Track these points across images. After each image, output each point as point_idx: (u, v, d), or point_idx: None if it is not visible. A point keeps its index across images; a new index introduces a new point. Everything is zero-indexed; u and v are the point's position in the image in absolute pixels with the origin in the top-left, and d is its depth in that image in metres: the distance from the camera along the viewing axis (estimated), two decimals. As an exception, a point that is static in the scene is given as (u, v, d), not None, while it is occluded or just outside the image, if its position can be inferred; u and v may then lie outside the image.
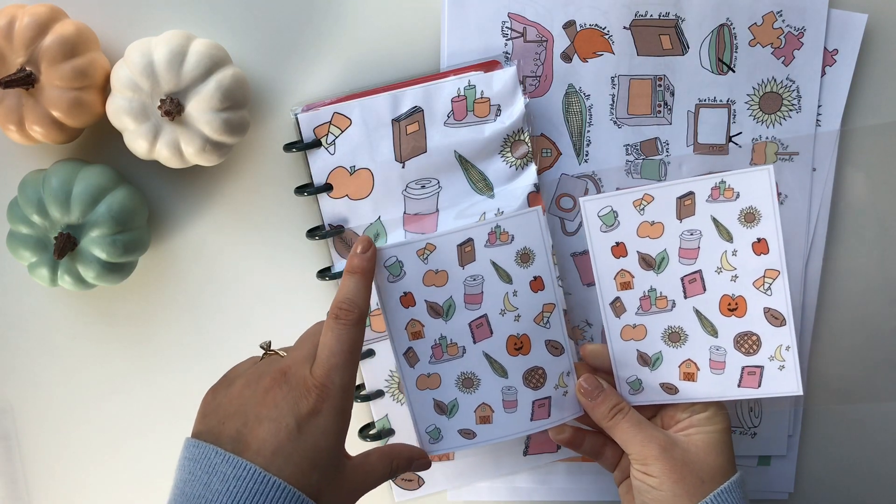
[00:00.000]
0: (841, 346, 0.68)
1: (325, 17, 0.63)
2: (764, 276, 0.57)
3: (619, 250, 0.57)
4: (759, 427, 0.68)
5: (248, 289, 0.66)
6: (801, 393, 0.57)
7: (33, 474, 0.68)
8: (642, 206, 0.56)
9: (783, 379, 0.58)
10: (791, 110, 0.64)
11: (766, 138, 0.64)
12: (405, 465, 0.54)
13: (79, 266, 0.59)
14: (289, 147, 0.63)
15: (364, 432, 0.67)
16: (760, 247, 0.56)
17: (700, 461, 0.55)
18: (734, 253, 0.57)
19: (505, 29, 0.63)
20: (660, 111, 0.64)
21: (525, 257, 0.58)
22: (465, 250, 0.57)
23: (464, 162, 0.62)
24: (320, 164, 0.62)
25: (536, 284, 0.58)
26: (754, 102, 0.64)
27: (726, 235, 0.56)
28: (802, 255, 0.66)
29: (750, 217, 0.56)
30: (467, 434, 0.59)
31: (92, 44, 0.58)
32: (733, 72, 0.63)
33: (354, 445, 0.67)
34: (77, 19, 0.58)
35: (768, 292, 0.57)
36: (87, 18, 0.60)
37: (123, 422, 0.67)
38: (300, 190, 0.63)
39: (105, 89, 0.59)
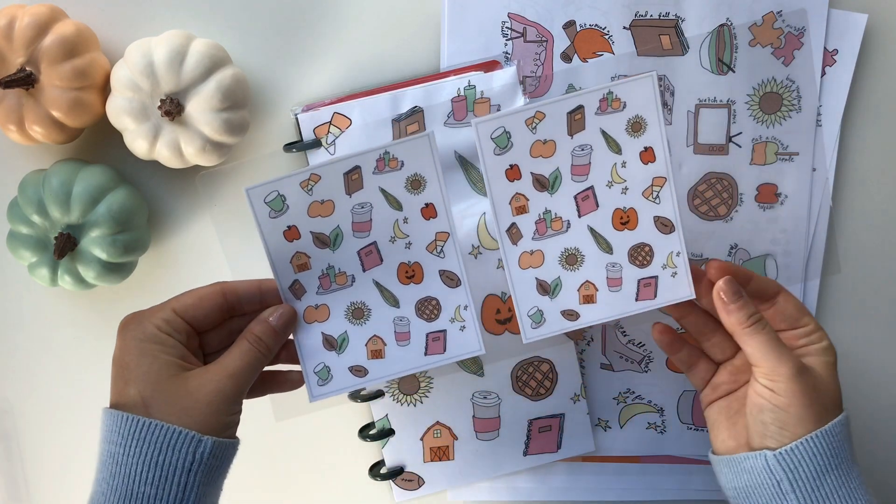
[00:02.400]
0: (842, 346, 0.68)
1: (325, 17, 0.63)
2: (652, 185, 0.56)
3: (512, 173, 0.56)
4: (759, 427, 0.68)
5: (248, 289, 0.66)
6: (693, 296, 0.57)
7: (33, 474, 0.68)
8: (534, 125, 0.55)
9: (676, 285, 0.57)
10: (791, 110, 0.64)
11: (766, 138, 0.64)
12: (267, 328, 0.54)
13: (79, 266, 0.59)
14: (289, 147, 0.63)
15: (364, 432, 0.67)
16: (647, 155, 0.56)
17: (826, 389, 0.54)
18: (623, 164, 0.56)
19: (505, 29, 0.63)
20: (660, 111, 0.64)
21: (416, 183, 0.55)
22: (353, 178, 0.54)
23: (464, 162, 0.62)
24: (320, 164, 0.62)
25: (428, 212, 0.56)
26: (754, 102, 0.64)
27: (615, 147, 0.56)
28: (803, 255, 0.66)
29: (637, 126, 0.56)
30: (358, 371, 0.57)
31: (92, 44, 0.58)
32: (733, 72, 0.63)
33: (354, 445, 0.67)
34: (77, 19, 0.59)
35: (657, 200, 0.57)
36: (87, 18, 0.60)
37: (123, 422, 0.67)
38: (300, 190, 0.63)
39: (105, 89, 0.59)
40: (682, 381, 0.68)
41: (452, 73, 0.62)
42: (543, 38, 0.63)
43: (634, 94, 0.55)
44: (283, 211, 0.54)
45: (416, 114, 0.62)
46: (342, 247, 0.56)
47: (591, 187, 0.57)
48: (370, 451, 0.68)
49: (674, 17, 0.63)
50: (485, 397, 0.66)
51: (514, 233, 0.57)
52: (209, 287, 0.54)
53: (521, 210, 0.56)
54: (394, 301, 0.57)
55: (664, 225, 0.57)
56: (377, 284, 0.57)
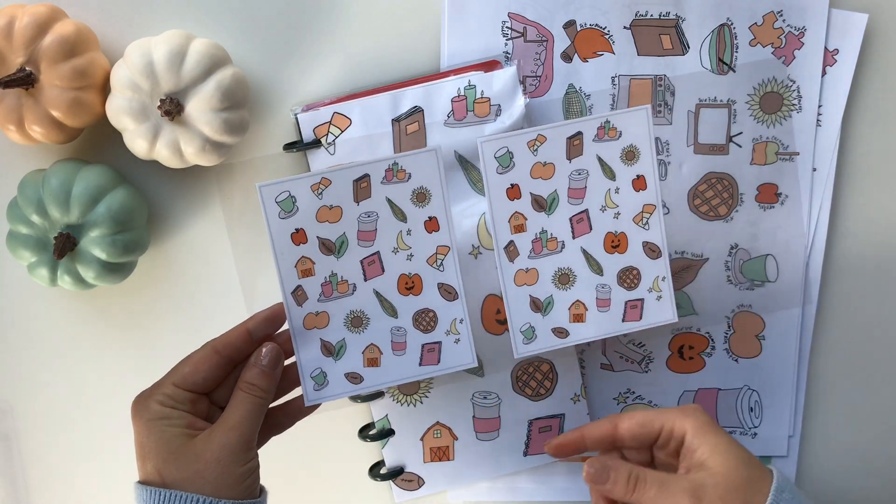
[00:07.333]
0: (842, 345, 0.68)
1: (325, 17, 0.63)
2: (642, 212, 0.59)
3: (513, 192, 0.58)
4: (759, 427, 0.68)
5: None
6: (675, 320, 0.60)
7: (33, 474, 0.68)
8: (536, 147, 0.58)
9: (660, 308, 0.60)
10: (791, 110, 0.64)
11: (767, 138, 0.64)
12: (261, 366, 0.55)
13: (79, 266, 0.59)
14: (289, 147, 0.63)
15: (364, 432, 0.67)
16: (639, 183, 0.59)
17: (733, 485, 0.51)
18: (616, 190, 0.59)
19: (505, 29, 0.63)
20: (660, 111, 0.64)
21: (421, 196, 0.57)
22: (361, 186, 0.56)
23: (464, 162, 0.62)
24: (320, 164, 0.62)
25: (431, 225, 0.57)
26: (755, 102, 0.64)
27: (609, 174, 0.59)
28: (803, 255, 0.66)
29: (630, 155, 0.59)
30: (354, 378, 0.58)
31: (92, 44, 0.58)
32: (734, 72, 0.63)
33: (354, 445, 0.67)
34: (77, 19, 0.58)
35: (646, 227, 0.60)
36: (87, 18, 0.60)
37: (123, 422, 0.67)
38: (300, 190, 0.63)
39: (105, 89, 0.59)
40: (682, 381, 0.68)
41: (452, 73, 0.62)
42: (543, 38, 0.63)
43: (630, 125, 0.58)
44: (292, 212, 0.55)
45: (416, 113, 0.62)
46: (346, 255, 0.57)
47: (586, 210, 0.59)
48: (370, 452, 0.68)
49: (674, 17, 0.63)
50: (485, 397, 0.66)
51: (511, 250, 0.59)
52: (201, 350, 0.55)
53: (520, 229, 0.59)
54: (392, 311, 0.58)
55: (651, 250, 0.60)
56: (377, 294, 0.57)
